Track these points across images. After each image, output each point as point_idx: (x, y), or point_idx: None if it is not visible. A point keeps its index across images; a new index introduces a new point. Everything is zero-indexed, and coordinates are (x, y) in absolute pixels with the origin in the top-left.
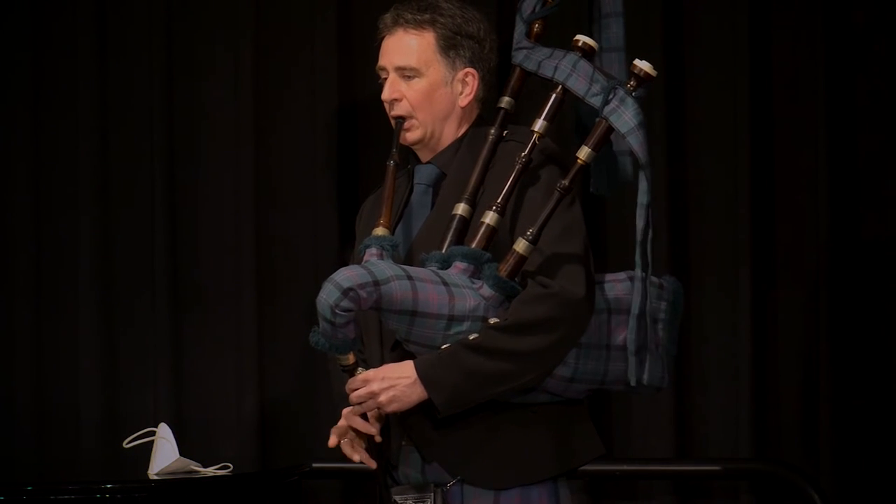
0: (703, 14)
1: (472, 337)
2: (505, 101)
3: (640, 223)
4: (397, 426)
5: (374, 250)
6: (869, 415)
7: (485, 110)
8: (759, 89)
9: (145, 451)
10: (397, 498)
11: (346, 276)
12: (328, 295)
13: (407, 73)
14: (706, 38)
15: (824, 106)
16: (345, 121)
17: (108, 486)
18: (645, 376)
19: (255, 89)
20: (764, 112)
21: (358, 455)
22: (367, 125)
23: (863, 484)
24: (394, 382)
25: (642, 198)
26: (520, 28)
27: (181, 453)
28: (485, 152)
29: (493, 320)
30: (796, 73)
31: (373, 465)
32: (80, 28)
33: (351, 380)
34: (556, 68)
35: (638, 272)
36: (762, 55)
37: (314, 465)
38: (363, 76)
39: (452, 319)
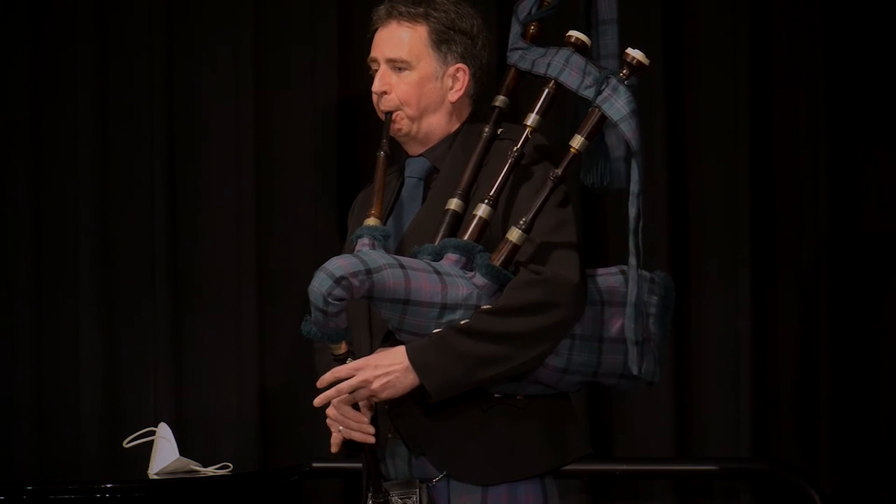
0: (703, 14)
1: (462, 322)
2: (500, 100)
3: (631, 212)
4: (384, 419)
5: (365, 240)
6: (869, 415)
7: (478, 108)
8: (759, 89)
9: (145, 451)
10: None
11: (338, 265)
12: (320, 284)
13: (398, 66)
14: (706, 37)
15: (824, 106)
16: (345, 119)
17: (108, 486)
18: (644, 367)
19: (255, 88)
20: (764, 112)
21: (336, 444)
22: (367, 124)
23: (863, 484)
24: (386, 370)
25: (634, 187)
26: (515, 29)
27: (181, 453)
28: (478, 149)
29: (484, 306)
30: (796, 73)
31: (336, 448)
32: (80, 27)
33: (338, 367)
34: (548, 64)
35: (632, 260)
36: (762, 55)
37: (314, 465)
38: (363, 75)
39: (445, 308)
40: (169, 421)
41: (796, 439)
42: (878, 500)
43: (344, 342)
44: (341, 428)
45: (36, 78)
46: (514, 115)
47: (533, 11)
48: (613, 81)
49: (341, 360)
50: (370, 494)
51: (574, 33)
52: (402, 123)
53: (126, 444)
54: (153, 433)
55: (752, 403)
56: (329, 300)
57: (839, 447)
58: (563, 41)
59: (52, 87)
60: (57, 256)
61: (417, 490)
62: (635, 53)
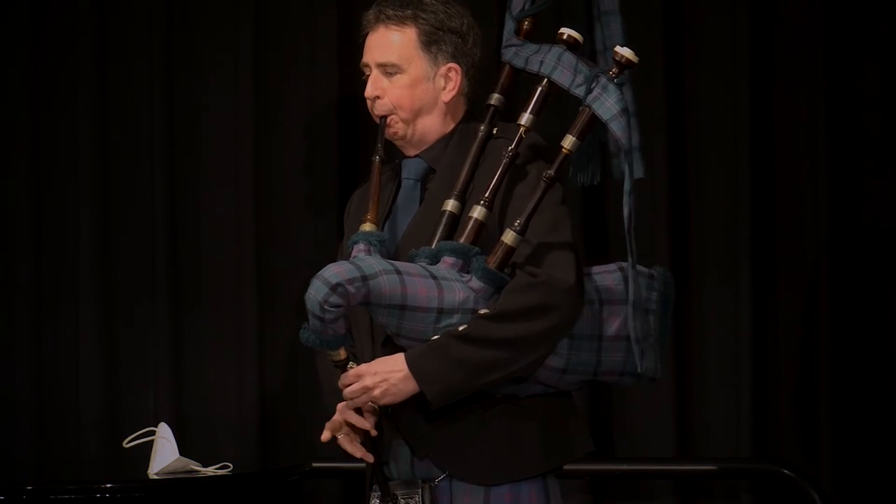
0: (703, 13)
1: (461, 328)
2: (494, 98)
3: (625, 211)
4: (387, 421)
5: (361, 246)
6: (869, 415)
7: (473, 106)
8: (759, 89)
9: (145, 451)
10: None
11: (334, 271)
12: (317, 291)
13: (389, 70)
14: (706, 37)
15: (824, 106)
16: (344, 119)
17: (108, 486)
18: (644, 365)
19: (255, 88)
20: (764, 112)
21: (357, 451)
22: (367, 123)
23: (863, 484)
24: (386, 376)
25: (626, 185)
26: (509, 25)
27: (181, 453)
28: (474, 149)
29: (482, 311)
30: (796, 73)
31: (370, 458)
32: (80, 28)
33: (343, 375)
34: (541, 62)
35: (630, 260)
36: (762, 55)
37: (314, 464)
38: (362, 76)
39: (442, 312)
40: (169, 421)
41: (796, 439)
42: (878, 500)
43: (343, 348)
44: (341, 435)
45: (36, 78)
46: (510, 112)
47: (526, 7)
48: (603, 80)
49: (341, 366)
50: (374, 496)
51: (566, 30)
52: (396, 127)
53: (126, 444)
54: (153, 433)
55: (752, 403)
56: (325, 307)
57: (839, 447)
58: (555, 38)
59: (52, 87)
60: (57, 256)
61: (420, 490)
62: (623, 51)
